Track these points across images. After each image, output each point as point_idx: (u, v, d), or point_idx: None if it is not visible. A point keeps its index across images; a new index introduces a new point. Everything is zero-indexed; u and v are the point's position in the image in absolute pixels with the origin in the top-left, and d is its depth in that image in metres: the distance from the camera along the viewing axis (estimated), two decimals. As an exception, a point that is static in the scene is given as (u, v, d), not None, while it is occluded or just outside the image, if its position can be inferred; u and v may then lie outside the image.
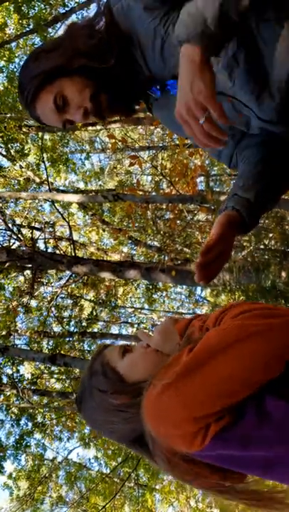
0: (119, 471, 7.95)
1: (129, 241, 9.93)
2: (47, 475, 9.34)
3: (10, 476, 9.38)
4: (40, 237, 8.51)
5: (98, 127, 9.82)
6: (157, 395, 0.87)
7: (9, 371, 8.68)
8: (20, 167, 9.64)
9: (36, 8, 7.73)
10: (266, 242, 5.83)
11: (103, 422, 1.07)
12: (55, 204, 8.13)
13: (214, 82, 0.93)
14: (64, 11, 8.22)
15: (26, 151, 9.48)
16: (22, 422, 9.05)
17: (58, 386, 9.65)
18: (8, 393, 8.36)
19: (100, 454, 10.05)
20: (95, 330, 10.37)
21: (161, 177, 7.29)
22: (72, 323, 9.73)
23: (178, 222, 7.43)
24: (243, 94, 1.11)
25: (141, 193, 6.23)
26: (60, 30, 9.18)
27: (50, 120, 1.24)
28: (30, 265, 8.20)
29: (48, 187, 8.15)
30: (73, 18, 8.60)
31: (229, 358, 0.82)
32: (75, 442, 9.77)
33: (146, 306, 11.51)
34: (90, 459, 10.30)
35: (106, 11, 1.14)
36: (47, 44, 1.28)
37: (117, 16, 1.13)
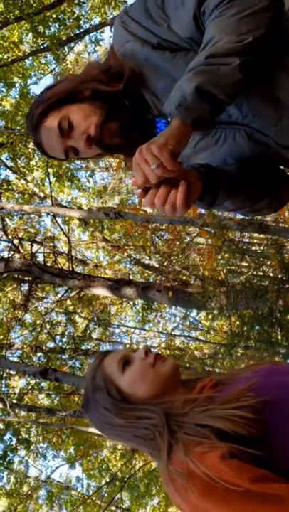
0: (103, 492, 7.78)
1: (127, 259, 9.96)
2: (28, 493, 9.13)
3: (-10, 493, 9.17)
4: (40, 250, 8.56)
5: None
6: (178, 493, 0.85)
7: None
8: (26, 181, 9.73)
9: (52, 29, 7.92)
10: (265, 269, 5.87)
11: (110, 433, 1.10)
12: (57, 219, 8.18)
13: (178, 145, 0.97)
14: (78, 32, 8.44)
15: (32, 167, 9.59)
16: (6, 438, 8.88)
17: (44, 400, 9.52)
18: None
19: (84, 474, 9.85)
20: (88, 347, 10.30)
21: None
22: (65, 339, 9.67)
23: (177, 243, 7.48)
24: (259, 121, 1.13)
25: (142, 212, 6.27)
26: (74, 49, 9.42)
27: (52, 147, 1.22)
28: (27, 278, 8.23)
29: (50, 201, 8.21)
30: (86, 38, 8.82)
31: None
32: (60, 460, 9.57)
33: (139, 325, 11.46)
34: (72, 480, 10.09)
35: (111, 54, 1.18)
36: (65, 75, 1.33)
37: (122, 59, 1.16)
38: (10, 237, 7.69)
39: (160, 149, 0.94)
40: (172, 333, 11.76)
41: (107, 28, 8.63)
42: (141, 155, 0.96)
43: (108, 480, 7.84)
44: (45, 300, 9.72)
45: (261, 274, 5.93)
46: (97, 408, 1.09)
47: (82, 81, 1.17)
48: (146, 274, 9.70)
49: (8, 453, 8.71)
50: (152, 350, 1.14)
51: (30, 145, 9.18)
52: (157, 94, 1.17)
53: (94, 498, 8.50)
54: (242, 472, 0.78)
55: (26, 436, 9.04)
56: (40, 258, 8.32)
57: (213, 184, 1.13)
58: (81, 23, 8.51)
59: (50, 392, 9.32)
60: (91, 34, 8.59)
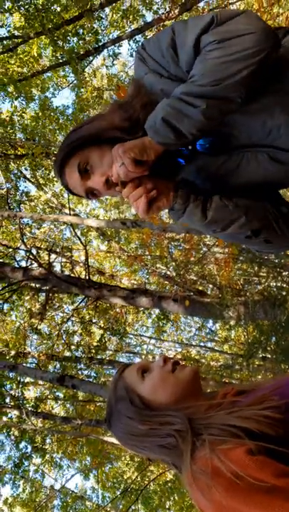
0: (118, 503, 7.72)
1: (144, 269, 9.99)
2: (43, 503, 9.11)
3: (6, 502, 9.17)
4: (57, 260, 8.66)
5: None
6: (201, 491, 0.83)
7: (14, 393, 8.64)
8: (45, 192, 9.90)
9: (71, 43, 8.09)
10: (283, 279, 5.83)
11: (133, 445, 1.11)
12: (74, 228, 8.28)
13: (142, 155, 1.13)
14: (96, 45, 8.59)
15: (52, 178, 9.75)
16: (22, 445, 8.91)
17: (59, 410, 9.53)
18: (11, 415, 8.28)
19: (99, 485, 9.79)
20: (103, 357, 10.31)
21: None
22: (81, 349, 9.70)
23: (193, 253, 7.48)
24: (284, 137, 1.15)
25: (159, 221, 6.31)
26: (92, 63, 9.59)
27: (75, 187, 1.28)
28: (44, 287, 8.32)
29: (68, 211, 8.32)
30: (104, 52, 8.97)
31: None
32: (74, 470, 9.54)
33: (155, 335, 11.43)
34: (87, 490, 10.03)
35: (135, 88, 1.23)
36: (91, 116, 1.38)
37: (144, 93, 1.21)
38: (28, 246, 7.81)
39: (124, 153, 1.12)
40: (188, 343, 11.70)
41: (125, 42, 8.80)
42: (113, 152, 1.14)
43: (122, 490, 7.77)
44: (61, 309, 9.78)
45: (279, 283, 5.89)
46: (120, 419, 1.10)
47: (104, 128, 1.22)
48: (161, 285, 9.71)
49: (24, 461, 8.74)
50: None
51: (50, 156, 9.36)
52: None
53: (108, 509, 8.44)
54: (268, 467, 0.77)
55: (41, 445, 9.05)
56: (58, 267, 8.44)
57: (189, 197, 1.22)
58: (99, 37, 8.68)
59: (63, 401, 9.33)
60: (109, 48, 8.73)
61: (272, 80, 1.11)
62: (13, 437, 8.85)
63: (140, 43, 1.32)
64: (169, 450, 1.00)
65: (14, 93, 8.34)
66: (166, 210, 1.27)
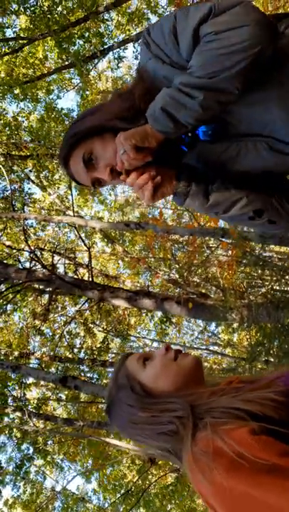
0: (119, 506, 7.70)
1: (147, 271, 9.99)
2: (44, 505, 9.09)
3: (6, 503, 9.17)
4: (60, 261, 8.68)
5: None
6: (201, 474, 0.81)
7: (16, 394, 8.64)
8: (49, 194, 9.92)
9: (77, 46, 8.12)
10: (287, 282, 5.82)
11: (132, 434, 1.10)
12: (78, 230, 8.30)
13: (143, 142, 1.15)
14: (102, 48, 8.62)
15: (55, 181, 9.79)
16: (24, 447, 8.90)
17: (61, 412, 9.52)
18: (13, 416, 8.28)
19: (100, 488, 9.77)
20: (106, 359, 10.30)
21: (183, 209, 7.40)
22: (84, 350, 9.70)
23: (196, 255, 7.48)
24: (281, 129, 1.16)
25: (162, 224, 6.32)
26: (97, 65, 9.63)
27: (81, 178, 1.31)
28: (47, 288, 8.33)
29: (72, 213, 8.34)
30: (110, 55, 9.00)
31: None
32: (75, 471, 9.52)
33: (157, 338, 11.42)
34: (88, 492, 10.01)
35: (138, 75, 1.25)
36: (92, 107, 1.39)
37: (147, 79, 1.22)
38: (32, 247, 7.82)
39: (125, 140, 1.15)
40: (190, 346, 11.68)
41: (130, 45, 8.83)
42: (116, 140, 1.17)
43: (123, 493, 7.75)
44: (64, 311, 9.80)
45: (283, 286, 5.88)
46: (121, 407, 1.09)
47: (106, 118, 1.24)
48: (164, 287, 9.70)
49: (25, 462, 8.73)
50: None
51: (55, 158, 9.39)
52: None
53: (109, 512, 8.42)
54: (270, 446, 0.76)
55: (43, 446, 9.05)
56: (61, 269, 8.44)
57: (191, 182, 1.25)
58: (105, 39, 8.71)
59: (65, 402, 9.32)
60: (115, 51, 8.75)
61: (272, 71, 1.11)
62: (14, 438, 8.85)
63: (146, 28, 1.33)
64: (170, 437, 0.99)
65: (20, 95, 8.38)
66: (170, 198, 1.30)
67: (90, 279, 7.26)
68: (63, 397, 9.78)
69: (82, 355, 9.56)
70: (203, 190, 1.24)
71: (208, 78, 1.04)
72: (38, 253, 8.19)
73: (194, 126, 1.14)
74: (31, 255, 7.42)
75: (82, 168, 1.27)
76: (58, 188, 10.23)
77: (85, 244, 8.19)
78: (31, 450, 8.90)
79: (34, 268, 7.25)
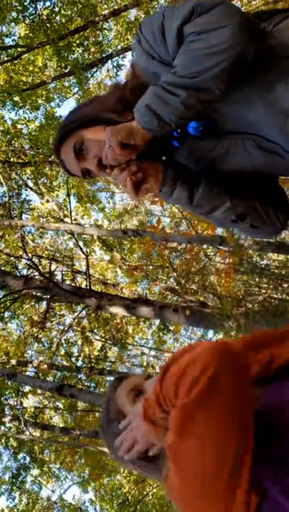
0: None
1: (145, 280, 9.97)
2: (40, 515, 8.99)
3: (1, 513, 9.05)
4: (58, 269, 8.65)
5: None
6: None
7: (12, 402, 8.58)
8: (47, 201, 9.93)
9: (76, 54, 8.17)
10: (284, 290, 5.80)
11: (122, 462, 1.12)
12: (76, 237, 8.29)
13: (128, 138, 1.16)
14: (101, 57, 8.67)
15: (54, 188, 9.81)
16: (20, 456, 8.82)
17: (59, 420, 9.44)
18: (9, 424, 8.21)
19: (97, 498, 9.66)
20: (104, 367, 10.25)
21: (181, 217, 7.39)
22: (81, 358, 9.65)
23: (194, 263, 7.46)
24: (266, 129, 1.16)
25: (160, 231, 6.32)
26: (96, 74, 9.69)
27: (71, 167, 1.33)
28: (45, 296, 8.29)
29: (70, 220, 8.34)
30: (109, 64, 9.05)
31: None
32: (72, 480, 9.42)
33: (155, 346, 11.37)
34: (85, 502, 9.90)
35: (131, 70, 1.26)
36: (88, 99, 1.41)
37: (139, 74, 1.23)
38: (30, 255, 7.80)
39: (112, 135, 1.16)
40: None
41: (129, 53, 8.87)
42: (105, 134, 1.17)
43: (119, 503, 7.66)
44: (62, 318, 9.75)
45: (280, 294, 5.86)
46: (110, 438, 1.10)
47: (99, 110, 1.27)
48: (162, 295, 9.68)
49: (22, 471, 8.64)
50: None
51: (53, 166, 9.41)
52: None
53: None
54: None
55: (40, 456, 8.96)
56: (59, 277, 8.41)
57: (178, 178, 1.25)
58: (104, 48, 8.76)
59: (62, 410, 9.25)
60: (114, 59, 8.80)
61: (257, 70, 1.11)
62: (11, 447, 8.77)
63: (138, 24, 1.34)
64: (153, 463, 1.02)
65: (20, 102, 8.41)
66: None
67: (88, 287, 7.23)
68: (60, 405, 9.71)
69: (79, 363, 9.51)
70: (188, 191, 1.25)
71: (190, 78, 1.06)
72: (36, 260, 8.19)
73: (178, 124, 1.14)
74: (29, 263, 7.41)
75: (72, 158, 1.29)
76: (57, 195, 10.24)
77: (83, 252, 8.18)
78: (28, 459, 8.82)
79: (32, 275, 7.23)
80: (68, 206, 9.41)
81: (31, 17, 7.34)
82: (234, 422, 0.77)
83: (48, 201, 10.07)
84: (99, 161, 1.25)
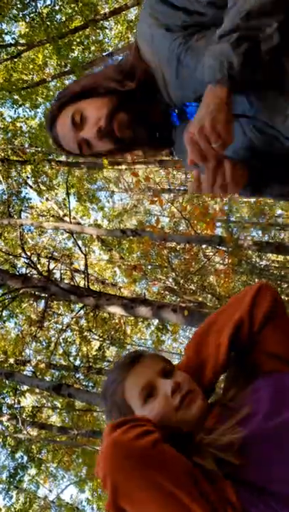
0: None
1: (144, 279, 9.95)
2: (37, 515, 8.99)
3: (-2, 513, 9.05)
4: (57, 268, 8.63)
5: (123, 167, 10.11)
6: None
7: (10, 401, 8.57)
8: (47, 199, 9.91)
9: (76, 52, 8.15)
10: (283, 290, 5.79)
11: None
12: (75, 236, 8.27)
13: (232, 122, 1.00)
14: (101, 55, 8.66)
15: (53, 186, 9.79)
16: (17, 455, 8.80)
17: (56, 419, 9.42)
18: (7, 423, 8.20)
19: (94, 497, 9.65)
20: (102, 366, 10.23)
21: (180, 217, 7.38)
22: (79, 357, 9.63)
23: (193, 263, 7.45)
24: (267, 112, 1.11)
25: (159, 231, 6.31)
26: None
27: (67, 140, 1.26)
28: (43, 294, 8.28)
29: (69, 219, 8.32)
30: (109, 62, 9.02)
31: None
32: (69, 480, 9.41)
33: (153, 346, 11.36)
34: (82, 502, 9.89)
35: (134, 44, 1.23)
36: (87, 73, 1.39)
37: (142, 48, 1.20)
38: (28, 253, 7.78)
39: (226, 129, 0.97)
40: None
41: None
42: (202, 133, 0.97)
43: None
44: (60, 318, 9.74)
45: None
46: (109, 417, 1.08)
47: (98, 79, 1.23)
48: (161, 295, 9.66)
49: (19, 471, 8.63)
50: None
51: (53, 164, 9.40)
52: (166, 82, 1.19)
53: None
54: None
55: (37, 455, 8.95)
56: (58, 275, 8.39)
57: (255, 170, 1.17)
58: (104, 46, 8.75)
59: (59, 409, 9.23)
60: (114, 57, 8.78)
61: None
62: (8, 447, 8.76)
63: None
64: None
65: (20, 100, 8.40)
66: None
67: (86, 286, 7.21)
68: (58, 405, 9.70)
69: (77, 363, 9.50)
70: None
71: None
72: (35, 259, 8.16)
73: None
74: (28, 261, 7.39)
75: (69, 128, 1.23)
76: (56, 194, 10.22)
77: (82, 251, 8.16)
78: (25, 459, 8.81)
79: (30, 274, 7.21)
80: (68, 205, 9.40)
81: (31, 15, 7.32)
82: (162, 500, 0.80)
83: (47, 199, 10.05)
84: (98, 129, 1.19)
